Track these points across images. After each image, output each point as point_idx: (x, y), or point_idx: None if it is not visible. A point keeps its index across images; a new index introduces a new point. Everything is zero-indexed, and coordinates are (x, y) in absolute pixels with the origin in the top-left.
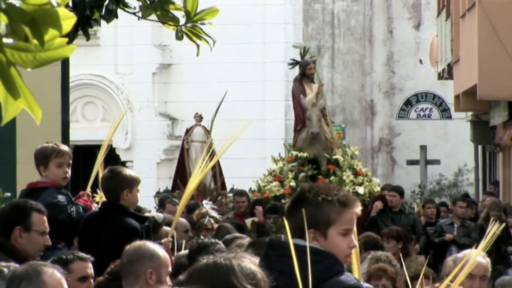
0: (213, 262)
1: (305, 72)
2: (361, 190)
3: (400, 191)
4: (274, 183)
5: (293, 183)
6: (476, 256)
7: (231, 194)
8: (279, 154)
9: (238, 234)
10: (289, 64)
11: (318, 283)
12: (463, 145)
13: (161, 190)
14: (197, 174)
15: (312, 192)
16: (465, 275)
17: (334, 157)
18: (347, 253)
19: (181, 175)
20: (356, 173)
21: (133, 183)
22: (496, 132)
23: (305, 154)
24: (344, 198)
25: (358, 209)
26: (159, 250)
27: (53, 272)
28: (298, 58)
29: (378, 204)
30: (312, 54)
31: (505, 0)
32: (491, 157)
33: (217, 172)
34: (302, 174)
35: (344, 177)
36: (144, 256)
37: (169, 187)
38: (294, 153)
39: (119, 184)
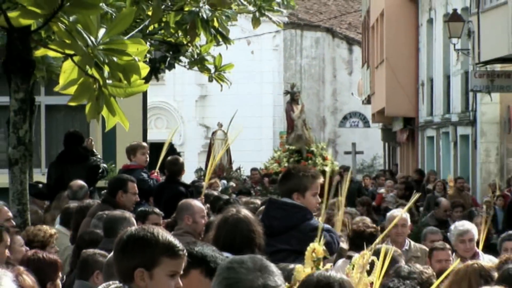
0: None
1: (293, 98)
2: (327, 168)
3: (349, 169)
4: (275, 164)
5: (286, 165)
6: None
7: (239, 170)
8: (277, 147)
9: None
10: (284, 93)
11: (297, 224)
12: (377, 142)
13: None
14: (216, 157)
15: (295, 170)
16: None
17: (311, 149)
18: (316, 207)
19: (208, 159)
20: (324, 159)
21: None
22: (396, 135)
23: (293, 147)
24: (315, 173)
25: (321, 180)
26: (194, 203)
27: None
28: (283, 89)
29: (337, 178)
30: (297, 87)
31: (401, 59)
32: (393, 150)
33: (228, 159)
34: (291, 159)
35: (317, 161)
36: (183, 208)
37: (203, 167)
38: (287, 146)
39: (183, 167)
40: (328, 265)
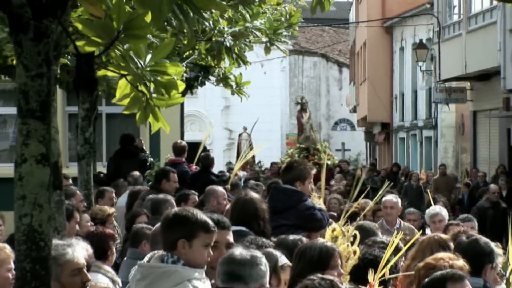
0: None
1: (303, 107)
2: (329, 162)
3: (348, 162)
4: (288, 159)
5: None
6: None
7: (259, 163)
8: (287, 146)
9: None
10: (295, 103)
11: (295, 204)
12: (361, 142)
13: (226, 162)
14: (242, 157)
15: (297, 163)
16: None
17: (316, 147)
18: (310, 192)
19: (238, 155)
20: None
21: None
22: (375, 136)
23: (303, 145)
24: (310, 166)
25: (313, 171)
26: (218, 188)
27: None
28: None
29: (337, 169)
30: (305, 100)
31: (379, 78)
32: (373, 148)
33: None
34: (302, 155)
35: (321, 156)
36: (209, 193)
37: (232, 162)
38: (298, 145)
39: (213, 161)
40: (339, 241)
